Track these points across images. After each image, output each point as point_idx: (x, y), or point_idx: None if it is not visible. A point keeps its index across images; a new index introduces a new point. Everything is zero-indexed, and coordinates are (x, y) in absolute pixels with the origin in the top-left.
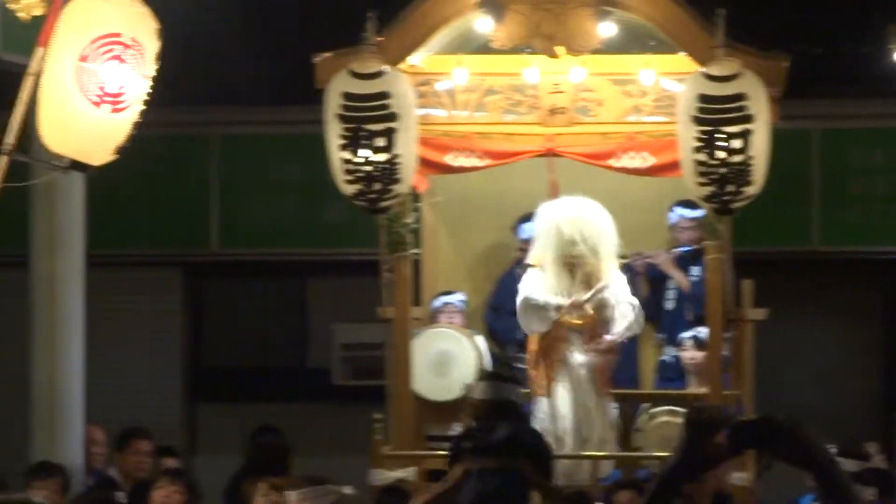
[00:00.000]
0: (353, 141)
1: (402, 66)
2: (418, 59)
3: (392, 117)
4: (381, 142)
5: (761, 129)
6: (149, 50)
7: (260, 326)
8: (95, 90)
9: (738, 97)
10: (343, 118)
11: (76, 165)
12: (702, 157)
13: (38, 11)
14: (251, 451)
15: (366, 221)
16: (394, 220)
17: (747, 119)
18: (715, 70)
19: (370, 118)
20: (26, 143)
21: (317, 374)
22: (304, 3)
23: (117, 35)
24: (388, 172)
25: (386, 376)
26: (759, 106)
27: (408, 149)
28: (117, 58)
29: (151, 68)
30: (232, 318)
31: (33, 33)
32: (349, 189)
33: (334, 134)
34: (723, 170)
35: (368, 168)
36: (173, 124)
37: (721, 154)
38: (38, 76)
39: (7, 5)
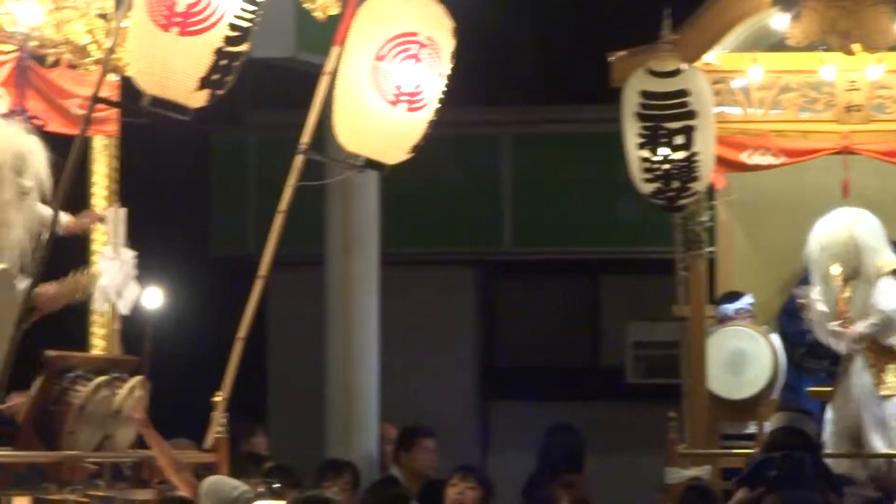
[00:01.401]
0: (652, 139)
1: (697, 63)
2: (713, 56)
3: (691, 115)
4: (679, 140)
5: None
6: (444, 49)
7: (553, 325)
8: (391, 89)
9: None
10: (641, 116)
11: (371, 164)
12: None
13: (334, 11)
14: (546, 449)
15: (659, 219)
16: (689, 219)
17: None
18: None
19: (669, 116)
20: (321, 142)
21: (610, 372)
22: (595, 1)
23: (413, 34)
24: (686, 170)
25: (680, 374)
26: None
27: (706, 146)
28: (413, 57)
29: (447, 67)
30: (525, 317)
31: (329, 33)
32: (647, 187)
33: (632, 132)
34: (666, 166)
35: (667, 166)
36: (466, 123)
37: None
38: (333, 75)
39: (303, 5)
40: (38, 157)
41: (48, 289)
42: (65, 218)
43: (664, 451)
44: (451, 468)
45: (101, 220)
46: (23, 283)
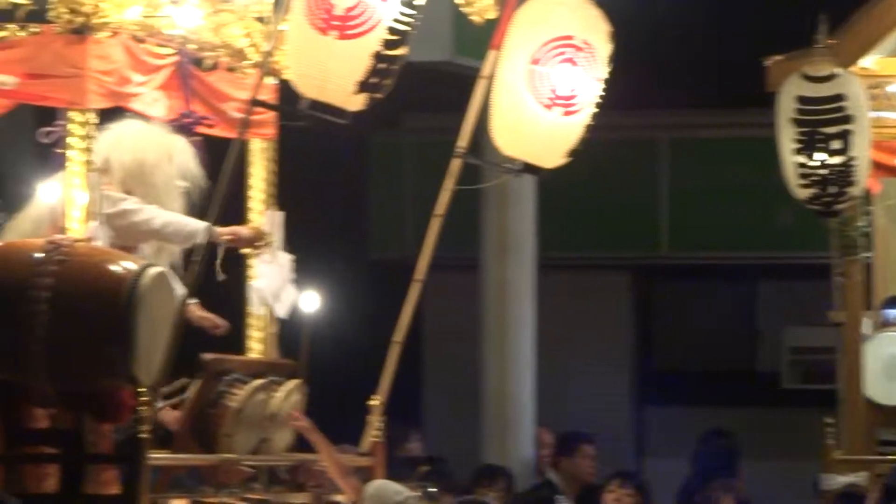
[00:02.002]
0: (808, 144)
1: (853, 68)
2: (869, 61)
3: (847, 120)
4: (836, 145)
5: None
6: (600, 52)
7: (709, 330)
8: (547, 93)
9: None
10: (797, 122)
11: (528, 169)
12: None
13: (492, 14)
14: (700, 454)
15: (816, 225)
16: (845, 224)
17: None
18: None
19: (825, 121)
20: (478, 145)
21: (767, 377)
22: (750, 6)
23: (569, 37)
24: (843, 175)
25: (837, 380)
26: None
27: (862, 151)
28: (569, 60)
29: (603, 71)
30: (681, 322)
31: (485, 36)
32: (803, 193)
33: (788, 138)
34: (823, 171)
35: (823, 171)
36: (623, 128)
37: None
38: (490, 79)
39: (460, 9)
40: (189, 158)
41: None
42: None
43: (820, 457)
44: (606, 473)
45: (218, 328)
46: (179, 287)
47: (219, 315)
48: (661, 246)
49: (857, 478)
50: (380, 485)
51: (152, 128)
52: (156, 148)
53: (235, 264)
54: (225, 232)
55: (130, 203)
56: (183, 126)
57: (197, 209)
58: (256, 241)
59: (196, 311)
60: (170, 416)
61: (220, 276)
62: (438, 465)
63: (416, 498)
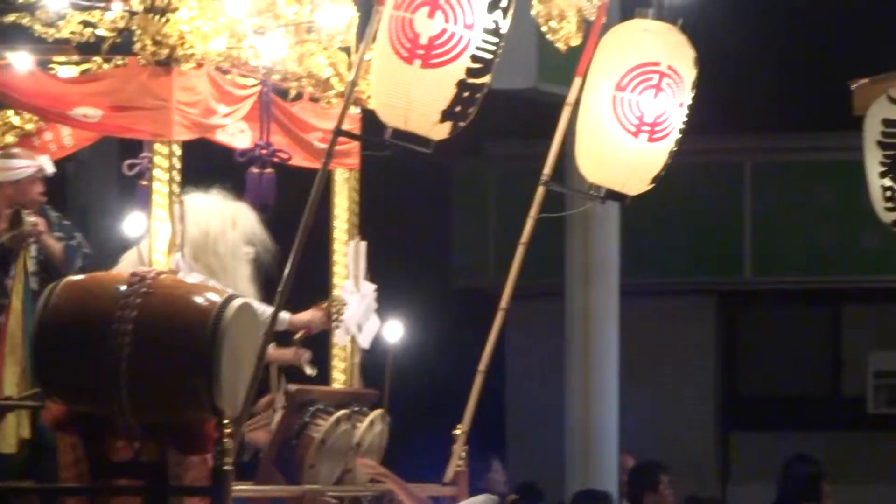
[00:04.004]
0: (894, 167)
1: None
2: None
3: None
4: None
5: None
6: (686, 78)
7: (794, 354)
8: (633, 119)
9: None
10: (883, 145)
11: (613, 195)
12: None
13: (576, 42)
14: (784, 479)
15: None
16: None
17: None
18: None
19: None
20: (562, 173)
21: (851, 402)
22: (835, 28)
23: (655, 64)
24: None
25: None
26: None
27: None
28: (655, 87)
29: (688, 97)
30: (766, 347)
31: (570, 63)
32: (889, 216)
33: (874, 160)
34: None
35: None
36: (706, 152)
37: None
38: (574, 106)
39: (545, 36)
40: (254, 222)
41: (303, 316)
42: (274, 351)
43: None
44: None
45: (301, 358)
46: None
47: (303, 346)
48: (746, 270)
49: None
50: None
51: (214, 197)
52: (218, 217)
53: (320, 296)
54: (300, 324)
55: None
56: (258, 157)
57: (266, 271)
58: (329, 321)
59: (272, 350)
60: (260, 437)
61: (311, 372)
62: (528, 490)
63: None
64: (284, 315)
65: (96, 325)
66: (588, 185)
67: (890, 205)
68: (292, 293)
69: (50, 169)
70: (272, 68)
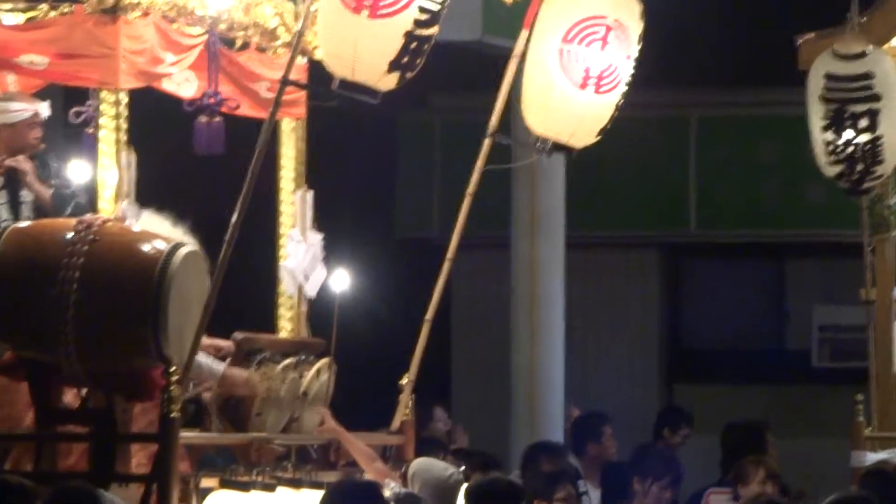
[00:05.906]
0: (836, 122)
1: (884, 46)
2: None
3: (875, 98)
4: (864, 123)
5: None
6: (632, 32)
7: (738, 308)
8: (579, 72)
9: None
10: (826, 99)
11: (559, 148)
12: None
13: None
14: (727, 433)
15: (846, 203)
16: (876, 202)
17: (875, 98)
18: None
19: (853, 99)
20: (508, 125)
21: (795, 355)
22: None
23: (602, 17)
24: (870, 154)
25: (867, 358)
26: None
27: (891, 130)
28: (601, 39)
29: (635, 50)
30: (710, 300)
31: (515, 16)
32: (831, 170)
33: (817, 115)
34: (850, 149)
35: (851, 149)
36: (652, 105)
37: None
38: (521, 58)
39: None
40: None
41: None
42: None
43: (851, 435)
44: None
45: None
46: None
47: (249, 296)
48: (691, 223)
49: (889, 454)
50: (425, 462)
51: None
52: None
53: (266, 244)
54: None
55: None
56: (206, 106)
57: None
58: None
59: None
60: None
61: None
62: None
63: (461, 475)
64: (219, 366)
65: (43, 272)
66: (534, 138)
67: (833, 158)
68: (240, 240)
69: (46, 113)
70: (218, 17)
